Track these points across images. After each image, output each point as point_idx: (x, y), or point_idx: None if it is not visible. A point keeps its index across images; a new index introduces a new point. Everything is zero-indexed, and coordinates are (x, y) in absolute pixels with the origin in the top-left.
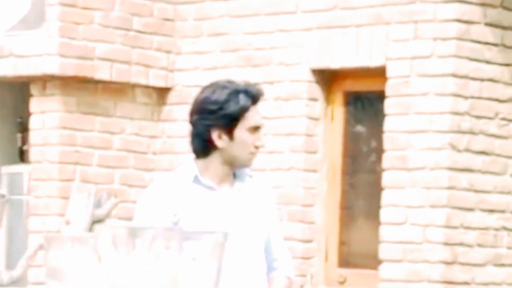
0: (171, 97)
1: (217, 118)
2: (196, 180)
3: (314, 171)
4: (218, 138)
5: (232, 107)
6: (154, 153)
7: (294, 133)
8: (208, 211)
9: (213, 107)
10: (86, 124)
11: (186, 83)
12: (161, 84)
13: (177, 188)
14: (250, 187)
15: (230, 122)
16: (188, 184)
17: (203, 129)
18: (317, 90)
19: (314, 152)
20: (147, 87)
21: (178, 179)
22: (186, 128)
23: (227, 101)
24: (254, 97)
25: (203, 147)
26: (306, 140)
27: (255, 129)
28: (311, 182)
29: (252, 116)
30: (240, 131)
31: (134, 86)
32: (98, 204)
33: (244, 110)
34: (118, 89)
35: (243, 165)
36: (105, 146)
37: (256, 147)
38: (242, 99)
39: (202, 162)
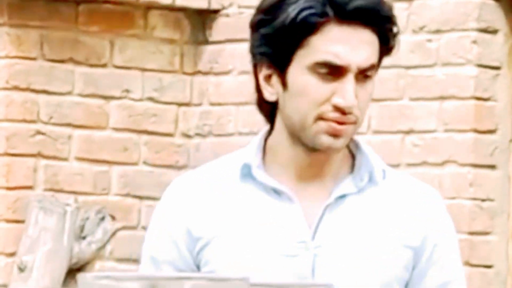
0: (218, 28)
1: (263, 43)
2: (246, 174)
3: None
4: (265, 82)
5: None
6: (187, 135)
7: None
8: (267, 233)
9: (259, 17)
10: (56, 82)
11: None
12: (199, 4)
13: (212, 188)
14: (377, 194)
15: (281, 54)
16: (233, 182)
17: (253, 66)
18: (498, 17)
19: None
20: (172, 9)
21: (218, 173)
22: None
23: (276, 8)
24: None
25: (258, 103)
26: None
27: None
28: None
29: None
30: (296, 71)
31: (147, 7)
32: (81, 233)
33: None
34: (118, 14)
35: (307, 143)
36: (94, 123)
37: (335, 108)
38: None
39: (271, 138)
